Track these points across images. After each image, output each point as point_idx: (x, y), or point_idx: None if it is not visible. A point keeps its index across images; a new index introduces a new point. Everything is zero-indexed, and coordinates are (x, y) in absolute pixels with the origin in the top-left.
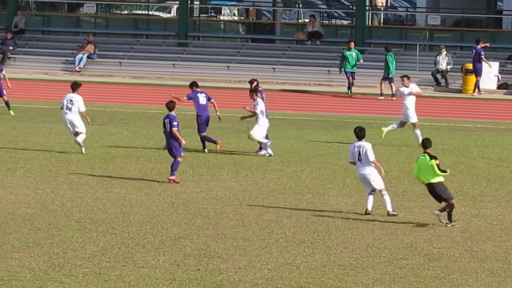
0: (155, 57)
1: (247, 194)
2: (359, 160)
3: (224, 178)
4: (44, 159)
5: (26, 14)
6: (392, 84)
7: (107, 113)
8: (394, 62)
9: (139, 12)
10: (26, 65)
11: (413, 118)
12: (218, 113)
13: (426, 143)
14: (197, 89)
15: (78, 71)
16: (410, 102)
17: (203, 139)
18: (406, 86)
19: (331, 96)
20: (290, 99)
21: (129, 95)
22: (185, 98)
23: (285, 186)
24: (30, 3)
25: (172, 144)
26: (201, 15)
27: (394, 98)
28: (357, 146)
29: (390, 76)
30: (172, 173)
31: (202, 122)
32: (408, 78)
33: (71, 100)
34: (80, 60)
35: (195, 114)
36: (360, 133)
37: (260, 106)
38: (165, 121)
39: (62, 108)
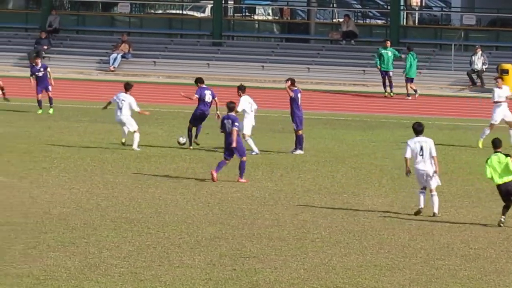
0: (190, 56)
1: (282, 194)
2: (421, 155)
3: (259, 178)
4: (79, 158)
5: (61, 13)
6: (408, 84)
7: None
8: (415, 62)
9: (173, 11)
10: (60, 65)
11: (496, 120)
12: (218, 112)
13: (497, 143)
14: (203, 86)
15: (112, 71)
16: (503, 105)
17: (189, 132)
18: (499, 87)
19: (366, 96)
20: (325, 99)
21: (164, 94)
22: (196, 95)
23: (321, 186)
24: (65, 2)
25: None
26: (235, 14)
27: (410, 97)
28: (419, 142)
29: (407, 76)
30: (241, 175)
31: (197, 117)
32: (502, 79)
33: (123, 100)
34: (115, 59)
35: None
36: (419, 128)
37: (242, 105)
38: (225, 121)
39: (117, 107)
